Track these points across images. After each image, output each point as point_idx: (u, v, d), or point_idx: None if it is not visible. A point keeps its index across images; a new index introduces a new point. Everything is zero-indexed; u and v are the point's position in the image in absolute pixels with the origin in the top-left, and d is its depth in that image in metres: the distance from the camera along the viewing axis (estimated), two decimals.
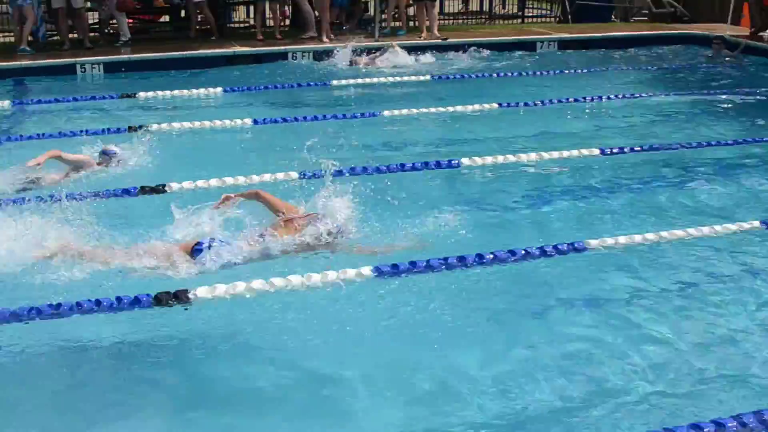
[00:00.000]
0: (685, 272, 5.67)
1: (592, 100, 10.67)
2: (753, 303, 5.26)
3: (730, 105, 10.91)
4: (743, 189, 7.38)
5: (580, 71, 13.01)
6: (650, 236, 6.03)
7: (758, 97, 11.44)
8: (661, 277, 5.59)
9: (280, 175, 7.22)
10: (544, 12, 21.49)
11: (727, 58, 13.94)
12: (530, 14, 20.91)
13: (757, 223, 6.31)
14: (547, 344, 4.78)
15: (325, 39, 14.21)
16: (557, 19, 19.73)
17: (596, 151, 8.24)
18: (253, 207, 5.82)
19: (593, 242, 5.87)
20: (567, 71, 12.93)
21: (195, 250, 5.36)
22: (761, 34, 15.08)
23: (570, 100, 10.70)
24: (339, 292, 5.16)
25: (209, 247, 5.33)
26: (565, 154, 8.12)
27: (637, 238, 5.98)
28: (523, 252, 5.69)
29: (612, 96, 10.97)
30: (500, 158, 7.92)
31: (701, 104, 10.90)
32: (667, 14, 18.64)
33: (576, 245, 5.81)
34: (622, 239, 5.94)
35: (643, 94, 11.20)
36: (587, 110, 10.41)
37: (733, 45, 14.26)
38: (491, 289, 5.44)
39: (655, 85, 12.18)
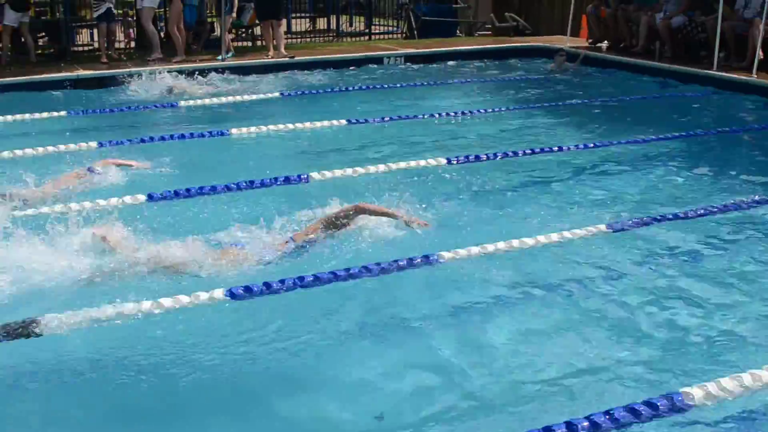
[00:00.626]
0: (537, 278, 5.65)
1: (440, 113, 10.72)
2: (602, 302, 5.30)
3: (571, 114, 11.16)
4: (587, 193, 7.49)
5: (426, 85, 13.10)
6: (501, 245, 5.99)
7: (598, 105, 11.77)
8: (514, 285, 5.55)
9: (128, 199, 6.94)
10: (390, 29, 21.66)
11: (569, 70, 14.32)
12: (377, 31, 21.03)
13: (603, 227, 6.40)
14: (406, 358, 4.66)
15: (175, 60, 13.89)
16: (404, 35, 19.90)
17: (443, 161, 8.24)
18: None
19: (446, 254, 5.80)
20: (414, 85, 12.99)
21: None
22: (599, 45, 15.63)
23: (418, 113, 10.71)
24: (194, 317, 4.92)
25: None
26: (413, 164, 8.10)
27: (490, 247, 5.94)
28: (378, 267, 5.57)
29: (459, 108, 11.06)
30: (349, 171, 7.82)
31: (545, 114, 11.10)
32: (509, 28, 19.09)
33: (429, 257, 5.73)
34: (474, 249, 5.89)
35: (489, 107, 11.34)
36: (435, 122, 10.43)
37: (573, 56, 14.67)
38: (351, 305, 5.28)
39: (499, 96, 12.39)
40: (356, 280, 5.44)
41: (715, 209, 6.90)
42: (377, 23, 21.84)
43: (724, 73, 12.67)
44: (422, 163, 8.16)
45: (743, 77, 12.33)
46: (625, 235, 6.36)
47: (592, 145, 9.17)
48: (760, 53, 12.51)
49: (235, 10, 15.60)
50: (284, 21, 16.34)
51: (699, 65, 13.41)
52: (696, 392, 4.11)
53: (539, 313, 5.20)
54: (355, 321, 5.08)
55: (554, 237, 6.17)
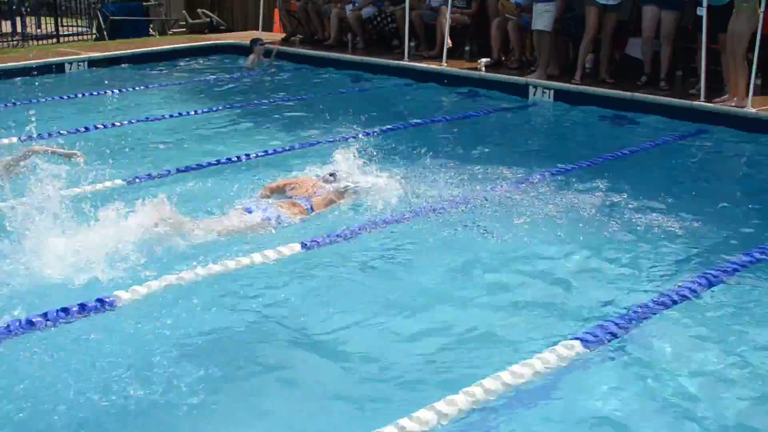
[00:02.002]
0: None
1: (132, 121, 9.92)
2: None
3: (273, 111, 10.78)
4: None
5: (115, 91, 12.11)
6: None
7: (297, 100, 11.44)
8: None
9: None
10: (82, 30, 20.21)
11: (264, 66, 13.92)
12: (67, 33, 19.50)
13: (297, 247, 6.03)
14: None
15: None
16: (94, 36, 18.65)
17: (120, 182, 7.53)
18: None
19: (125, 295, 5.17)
20: (100, 93, 11.97)
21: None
22: (292, 39, 15.33)
23: (107, 123, 9.83)
24: None
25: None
26: (88, 188, 7.26)
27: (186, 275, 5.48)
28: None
29: (154, 114, 10.31)
30: None
31: (246, 113, 10.66)
32: (203, 24, 18.41)
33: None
34: (155, 284, 5.31)
35: (188, 110, 10.66)
36: (129, 132, 9.61)
37: (267, 51, 14.28)
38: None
39: (197, 98, 11.73)
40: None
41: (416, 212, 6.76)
42: (68, 24, 20.30)
43: (415, 63, 12.76)
44: (99, 186, 7.34)
45: (434, 66, 12.47)
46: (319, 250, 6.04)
47: (290, 147, 8.87)
48: (449, 41, 12.71)
49: None
50: None
51: (391, 56, 13.47)
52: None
53: None
54: None
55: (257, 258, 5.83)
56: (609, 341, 4.77)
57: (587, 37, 11.33)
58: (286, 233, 6.26)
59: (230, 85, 12.68)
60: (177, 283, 5.40)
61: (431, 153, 8.21)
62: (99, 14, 18.41)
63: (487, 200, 7.13)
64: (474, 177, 7.71)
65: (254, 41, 14.32)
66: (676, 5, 10.74)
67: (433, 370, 4.56)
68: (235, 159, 8.38)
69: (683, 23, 11.07)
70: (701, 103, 10.16)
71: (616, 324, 4.93)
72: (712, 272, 5.68)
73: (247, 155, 8.51)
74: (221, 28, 18.35)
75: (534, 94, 11.36)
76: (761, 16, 9.60)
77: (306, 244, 6.05)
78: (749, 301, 5.40)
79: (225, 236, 6.07)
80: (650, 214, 6.90)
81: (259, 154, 8.61)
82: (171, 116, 10.38)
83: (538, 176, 7.81)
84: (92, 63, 13.92)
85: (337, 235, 6.23)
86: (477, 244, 6.25)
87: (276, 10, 16.34)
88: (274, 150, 8.82)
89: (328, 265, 5.85)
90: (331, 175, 6.99)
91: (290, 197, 6.73)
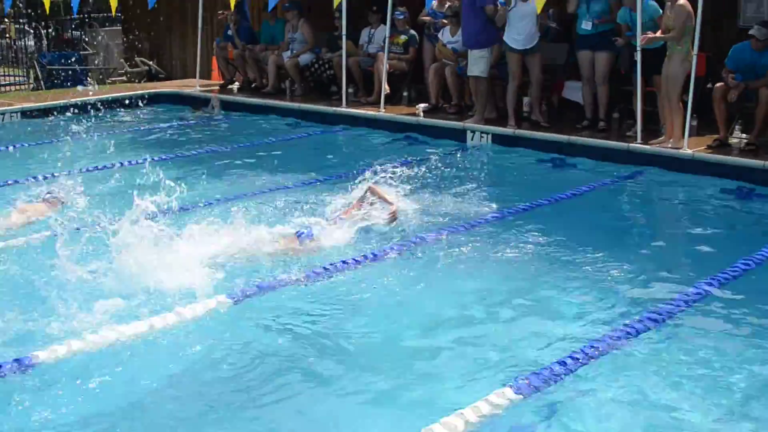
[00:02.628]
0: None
1: (67, 172, 9.57)
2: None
3: (212, 159, 10.58)
4: None
5: (46, 143, 11.74)
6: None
7: (237, 148, 11.26)
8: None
9: None
10: (19, 80, 19.84)
11: (206, 114, 13.75)
12: (3, 83, 19.13)
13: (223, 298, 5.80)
14: None
15: None
16: (31, 86, 18.32)
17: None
18: None
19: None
20: (32, 144, 11.62)
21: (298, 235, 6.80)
22: (230, 87, 15.21)
23: (38, 175, 9.44)
24: None
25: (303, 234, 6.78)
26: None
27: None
28: None
29: (90, 164, 9.97)
30: None
31: (185, 162, 10.42)
32: (142, 73, 18.22)
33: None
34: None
35: (126, 160, 10.36)
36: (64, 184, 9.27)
37: (207, 101, 14.13)
38: None
39: (136, 147, 11.44)
40: None
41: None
42: (5, 74, 19.90)
43: (353, 110, 12.67)
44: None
45: (371, 112, 12.39)
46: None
47: (232, 197, 8.61)
48: (386, 87, 12.65)
49: None
50: None
51: (330, 102, 13.37)
52: None
53: None
54: None
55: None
56: (543, 389, 4.62)
57: (512, 83, 11.34)
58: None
59: (170, 134, 12.45)
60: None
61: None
62: (36, 64, 18.13)
63: (425, 243, 7.02)
64: (410, 222, 7.58)
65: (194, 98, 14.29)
66: (608, 48, 10.80)
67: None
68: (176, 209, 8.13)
69: (620, 67, 11.14)
70: (638, 145, 10.18)
71: (551, 370, 4.78)
72: (649, 315, 5.57)
73: (186, 205, 8.24)
74: (160, 76, 18.17)
75: (472, 139, 11.30)
76: (694, 58, 9.67)
77: (234, 297, 5.83)
78: (687, 343, 5.29)
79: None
80: (587, 257, 6.81)
81: (200, 204, 8.35)
82: (105, 167, 10.07)
83: (476, 221, 7.70)
84: (25, 114, 13.61)
85: (258, 287, 6.01)
86: (412, 290, 6.11)
87: (213, 59, 16.18)
88: (212, 200, 8.53)
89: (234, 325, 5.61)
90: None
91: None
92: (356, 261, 6.54)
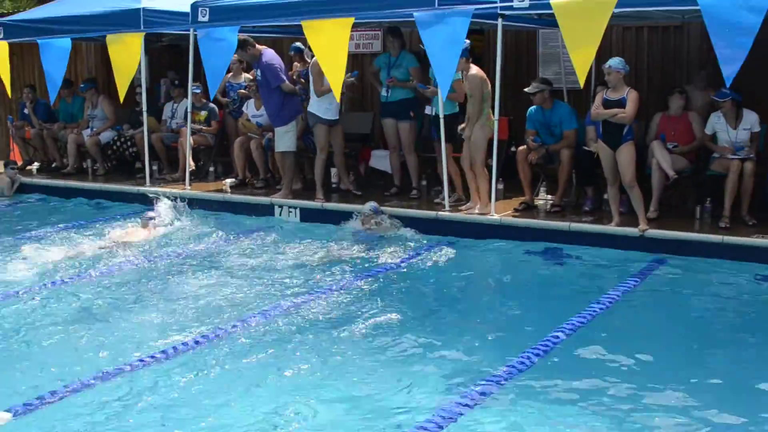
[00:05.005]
0: None
1: None
2: None
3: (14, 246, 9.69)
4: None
5: None
6: None
7: (35, 233, 10.41)
8: None
9: None
10: None
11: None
12: None
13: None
14: None
15: None
16: None
17: None
18: None
19: None
20: None
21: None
22: (29, 168, 14.32)
23: None
24: None
25: None
26: None
27: None
28: None
29: None
30: None
31: None
32: None
33: None
34: None
35: None
36: None
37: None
38: None
39: None
40: None
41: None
42: None
43: (155, 188, 12.04)
44: None
45: (176, 190, 11.79)
46: None
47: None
48: (191, 163, 12.15)
49: None
50: None
51: (134, 181, 12.72)
52: None
53: None
54: None
55: None
56: None
57: (321, 155, 11.04)
58: None
59: None
60: None
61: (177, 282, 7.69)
62: None
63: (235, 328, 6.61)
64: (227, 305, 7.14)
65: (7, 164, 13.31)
66: (409, 117, 10.71)
67: None
68: None
69: (424, 133, 11.05)
70: (447, 213, 10.02)
71: None
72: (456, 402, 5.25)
73: None
74: None
75: (280, 214, 10.90)
76: (496, 123, 9.63)
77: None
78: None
79: None
80: (397, 332, 6.52)
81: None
82: None
83: (292, 301, 7.30)
84: None
85: None
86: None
87: (11, 138, 15.22)
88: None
89: None
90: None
91: None
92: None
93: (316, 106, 10.84)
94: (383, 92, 10.93)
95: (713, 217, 9.28)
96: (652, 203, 9.40)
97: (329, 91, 10.39)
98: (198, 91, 12.46)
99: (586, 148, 9.90)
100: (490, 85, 9.71)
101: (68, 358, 6.09)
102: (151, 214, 10.45)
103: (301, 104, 11.23)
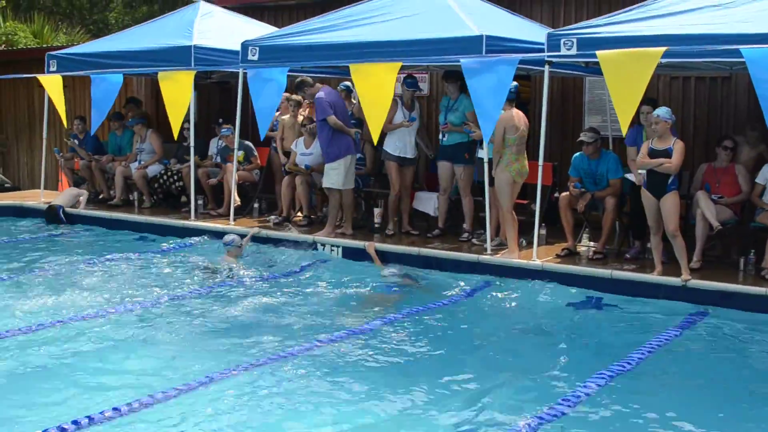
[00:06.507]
0: None
1: None
2: None
3: (59, 277, 9.81)
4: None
5: None
6: None
7: (78, 265, 10.48)
8: None
9: None
10: None
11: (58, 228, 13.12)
12: None
13: None
14: None
15: None
16: None
17: None
18: None
19: None
20: None
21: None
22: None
23: None
24: None
25: None
26: None
27: None
28: None
29: None
30: None
31: (31, 279, 9.69)
32: None
33: None
34: None
35: None
36: None
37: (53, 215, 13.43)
38: None
39: None
40: None
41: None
42: None
43: (201, 223, 12.20)
44: None
45: (220, 225, 11.94)
46: None
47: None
48: (236, 198, 12.30)
49: None
50: None
51: (179, 214, 12.88)
52: None
53: None
54: None
55: None
56: None
57: (391, 192, 11.29)
58: None
59: (14, 250, 11.65)
60: None
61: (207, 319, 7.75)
62: None
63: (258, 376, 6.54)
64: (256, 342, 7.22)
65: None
66: (464, 159, 10.79)
67: None
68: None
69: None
70: (487, 257, 10.03)
71: None
72: None
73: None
74: (6, 186, 17.33)
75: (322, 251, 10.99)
76: (523, 164, 9.73)
77: None
78: None
79: None
80: (434, 376, 6.54)
81: (40, 325, 7.73)
82: None
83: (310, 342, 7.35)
84: None
85: None
86: None
87: (60, 169, 15.53)
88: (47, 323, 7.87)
89: None
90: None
91: None
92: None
93: (387, 142, 11.07)
94: (440, 136, 11.06)
95: (757, 269, 9.22)
96: (695, 253, 9.34)
97: (394, 128, 10.82)
98: (228, 133, 12.65)
99: (628, 176, 9.89)
100: (520, 131, 9.75)
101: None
102: (231, 237, 10.70)
103: (357, 143, 11.37)
